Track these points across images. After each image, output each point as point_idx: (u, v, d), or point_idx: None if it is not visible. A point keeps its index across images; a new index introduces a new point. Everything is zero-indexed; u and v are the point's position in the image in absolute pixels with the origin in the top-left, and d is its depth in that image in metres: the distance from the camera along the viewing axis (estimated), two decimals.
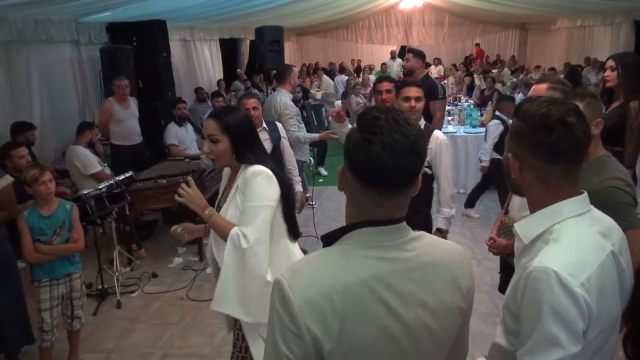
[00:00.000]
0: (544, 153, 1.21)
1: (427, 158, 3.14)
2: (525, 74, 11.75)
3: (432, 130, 3.17)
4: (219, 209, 2.23)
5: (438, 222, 3.20)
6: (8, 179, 2.98)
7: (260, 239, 2.02)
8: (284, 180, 2.16)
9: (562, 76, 8.38)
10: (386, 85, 3.42)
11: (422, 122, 3.19)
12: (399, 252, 1.03)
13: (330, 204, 6.23)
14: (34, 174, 2.84)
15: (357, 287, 0.97)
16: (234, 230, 2.04)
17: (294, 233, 2.23)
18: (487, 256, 4.31)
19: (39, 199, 2.92)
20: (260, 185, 2.03)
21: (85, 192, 3.95)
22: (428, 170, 3.12)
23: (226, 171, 2.32)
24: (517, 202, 2.56)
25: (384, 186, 0.99)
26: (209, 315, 3.82)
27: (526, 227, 1.30)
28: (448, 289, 1.06)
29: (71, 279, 3.06)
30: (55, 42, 6.07)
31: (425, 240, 1.09)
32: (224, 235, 2.08)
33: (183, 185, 2.13)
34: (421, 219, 3.20)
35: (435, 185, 3.17)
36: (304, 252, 2.49)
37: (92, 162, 4.80)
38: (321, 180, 7.28)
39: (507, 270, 2.71)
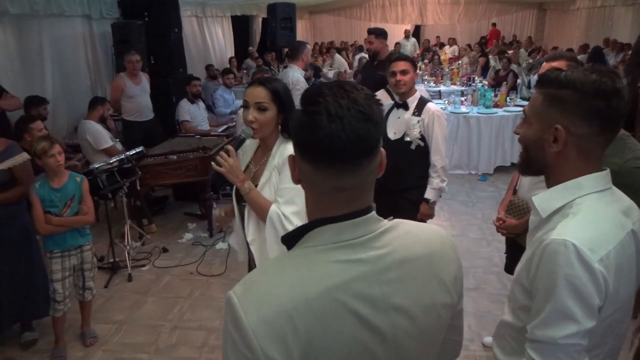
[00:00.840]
0: (598, 120, 1.17)
1: (420, 130, 3.19)
2: (542, 55, 11.52)
3: (426, 103, 3.19)
4: None
5: (426, 192, 3.22)
6: (24, 156, 3.00)
7: (303, 222, 1.96)
8: None
9: (579, 57, 8.19)
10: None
11: (417, 95, 3.19)
12: (367, 252, 0.88)
13: None
14: (43, 147, 2.86)
15: (321, 299, 0.84)
16: (274, 209, 1.95)
17: None
18: (496, 237, 4.29)
19: (49, 171, 2.94)
20: None
21: (96, 166, 3.98)
22: (421, 143, 3.13)
23: (250, 143, 2.20)
24: (526, 182, 2.53)
25: (339, 160, 0.85)
26: (218, 289, 3.87)
27: (545, 200, 1.27)
28: (428, 287, 0.94)
29: (82, 250, 3.10)
30: (67, 17, 6.07)
31: (400, 230, 0.95)
32: (262, 214, 1.99)
33: (223, 153, 1.99)
34: (416, 195, 3.23)
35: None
36: None
37: (104, 137, 4.82)
38: None
39: (514, 250, 2.70)
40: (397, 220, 0.97)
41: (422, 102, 3.17)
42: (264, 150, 2.13)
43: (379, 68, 4.51)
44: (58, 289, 3.01)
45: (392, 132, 3.18)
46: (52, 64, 5.90)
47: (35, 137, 3.52)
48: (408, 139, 3.13)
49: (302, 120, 0.86)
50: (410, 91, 3.15)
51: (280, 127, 2.04)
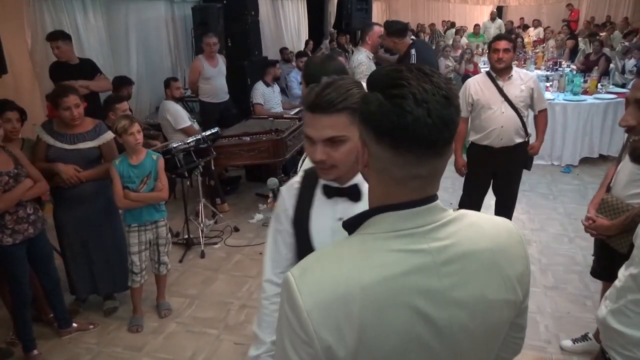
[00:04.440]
0: None
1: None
2: None
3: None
4: None
5: None
6: (111, 134, 3.16)
7: None
8: None
9: None
10: (504, 44, 3.44)
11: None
12: (428, 243, 0.85)
13: None
14: (124, 125, 2.99)
15: (376, 288, 0.82)
16: None
17: None
18: (580, 234, 4.02)
19: (128, 148, 3.07)
20: None
21: (174, 146, 4.13)
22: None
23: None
24: (623, 178, 2.31)
25: (424, 146, 0.81)
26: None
27: None
28: (492, 282, 0.89)
29: (157, 226, 3.23)
30: (151, 0, 6.31)
31: (465, 222, 0.91)
32: None
33: None
34: None
35: None
36: None
37: (183, 117, 4.99)
38: None
39: (604, 254, 2.49)
40: (462, 210, 0.93)
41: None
42: None
43: (399, 62, 4.37)
44: (135, 261, 3.17)
45: None
46: (137, 46, 6.18)
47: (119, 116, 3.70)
48: None
49: (383, 104, 0.82)
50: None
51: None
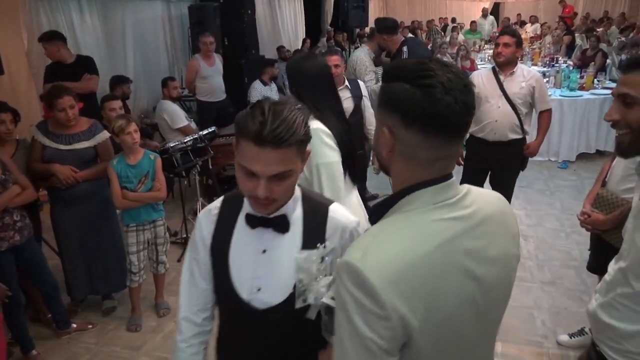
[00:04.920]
0: None
1: None
2: (637, 33, 10.56)
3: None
4: None
5: None
6: (106, 134, 3.17)
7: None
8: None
9: None
10: (504, 39, 3.50)
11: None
12: (460, 210, 0.97)
13: None
14: (120, 124, 3.00)
15: (434, 255, 0.91)
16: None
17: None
18: (576, 229, 4.03)
19: (125, 148, 3.08)
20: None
21: (171, 145, 4.13)
22: None
23: None
24: (618, 173, 2.33)
25: (451, 131, 0.92)
26: None
27: None
28: (506, 239, 1.04)
29: (155, 225, 3.24)
30: (147, 0, 6.31)
31: (475, 192, 1.03)
32: None
33: None
34: None
35: None
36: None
37: (180, 117, 4.99)
38: None
39: (600, 249, 2.51)
40: (466, 185, 1.04)
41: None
42: None
43: (392, 60, 4.43)
44: (134, 261, 3.18)
45: None
46: (134, 45, 6.18)
47: (107, 115, 3.70)
48: None
49: (413, 92, 0.90)
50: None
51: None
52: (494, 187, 3.85)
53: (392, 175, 1.01)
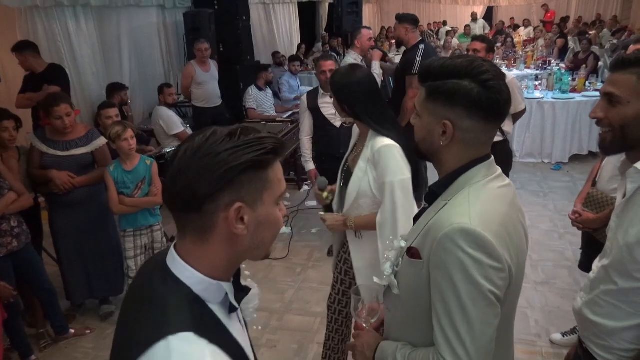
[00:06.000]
0: None
1: None
2: (628, 36, 10.66)
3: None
4: (346, 166, 2.21)
5: None
6: (103, 140, 3.20)
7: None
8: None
9: None
10: (476, 45, 3.66)
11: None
12: (505, 180, 1.20)
13: None
14: (117, 131, 3.03)
15: (509, 214, 1.14)
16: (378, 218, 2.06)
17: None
18: (569, 230, 4.07)
19: (122, 154, 3.11)
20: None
21: (167, 151, 4.18)
22: None
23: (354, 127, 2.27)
24: (607, 173, 2.37)
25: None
26: (280, 273, 3.96)
27: None
28: (520, 209, 1.25)
29: (152, 230, 3.27)
30: (142, 7, 6.35)
31: None
32: (372, 226, 2.10)
33: (321, 215, 2.24)
34: None
35: None
36: None
37: (176, 123, 5.02)
38: None
39: (591, 247, 2.54)
40: None
41: None
42: (361, 140, 2.17)
43: (405, 54, 4.45)
44: (131, 265, 3.20)
45: None
46: (130, 52, 6.20)
47: (103, 123, 3.73)
48: None
49: (473, 87, 1.08)
50: None
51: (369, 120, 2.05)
52: None
53: (442, 159, 1.18)
